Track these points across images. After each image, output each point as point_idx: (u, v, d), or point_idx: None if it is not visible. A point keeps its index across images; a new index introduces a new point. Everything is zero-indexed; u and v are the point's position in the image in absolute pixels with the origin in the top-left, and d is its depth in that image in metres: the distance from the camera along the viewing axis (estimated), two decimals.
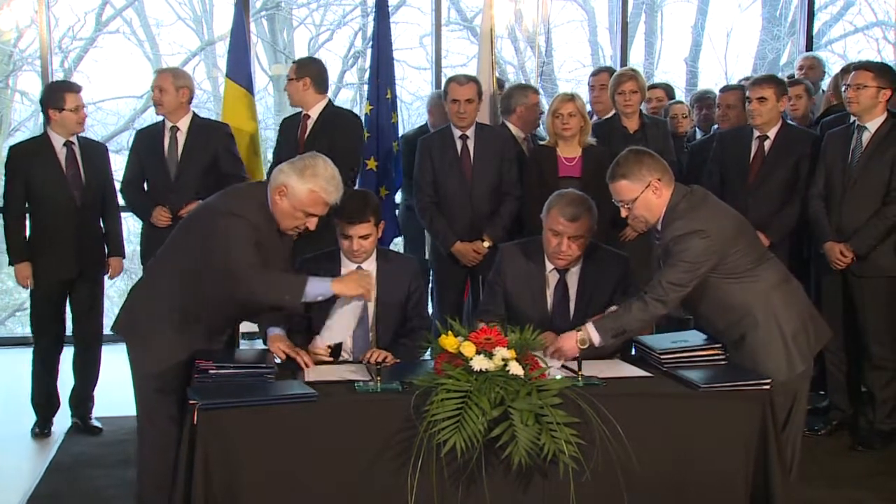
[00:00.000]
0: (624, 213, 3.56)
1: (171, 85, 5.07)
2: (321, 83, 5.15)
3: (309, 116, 5.15)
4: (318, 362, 3.55)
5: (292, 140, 5.15)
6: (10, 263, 4.93)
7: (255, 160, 5.88)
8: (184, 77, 5.19)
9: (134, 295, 3.60)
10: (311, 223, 3.43)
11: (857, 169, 4.65)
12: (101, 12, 10.97)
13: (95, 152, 5.07)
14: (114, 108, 11.30)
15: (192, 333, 3.45)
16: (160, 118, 5.19)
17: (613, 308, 3.60)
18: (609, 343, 3.48)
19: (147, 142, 5.14)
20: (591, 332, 3.46)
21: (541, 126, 5.69)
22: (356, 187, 5.21)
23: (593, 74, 6.04)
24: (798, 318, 3.57)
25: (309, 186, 3.34)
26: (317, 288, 3.37)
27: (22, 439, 5.00)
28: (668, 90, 6.59)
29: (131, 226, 9.51)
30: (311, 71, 5.13)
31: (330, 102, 5.22)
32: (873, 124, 4.64)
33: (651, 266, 3.82)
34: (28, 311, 5.18)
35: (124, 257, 5.27)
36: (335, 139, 5.02)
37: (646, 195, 3.47)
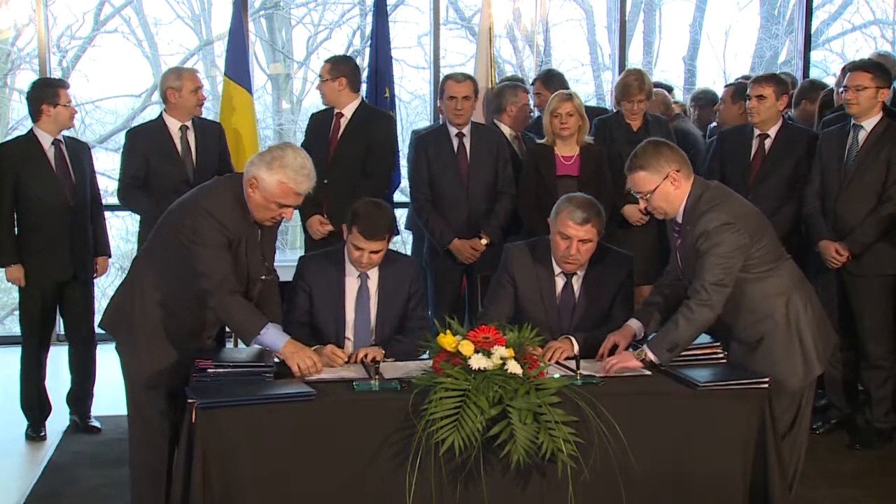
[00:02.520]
0: (642, 205, 3.56)
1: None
2: (355, 82, 5.14)
3: (342, 115, 5.11)
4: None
5: (324, 138, 5.11)
6: (2, 266, 4.84)
7: None
8: None
9: (118, 291, 3.61)
10: (287, 213, 3.40)
11: (853, 168, 4.64)
12: (99, 11, 10.97)
13: (81, 151, 5.03)
14: (112, 108, 11.30)
15: (175, 330, 3.46)
16: (153, 117, 5.17)
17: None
18: (666, 359, 3.42)
19: (153, 141, 4.98)
20: (648, 353, 3.42)
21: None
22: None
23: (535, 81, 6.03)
24: (815, 322, 3.56)
25: (278, 178, 3.29)
26: (270, 340, 3.33)
27: (20, 438, 4.98)
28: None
29: (129, 225, 9.53)
30: (346, 70, 5.10)
31: (363, 101, 5.22)
32: (869, 123, 4.63)
33: (671, 259, 3.79)
34: None
35: (110, 256, 5.27)
36: (372, 139, 5.03)
37: (664, 186, 3.44)
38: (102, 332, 3.74)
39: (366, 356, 3.54)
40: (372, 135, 5.05)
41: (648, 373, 3.44)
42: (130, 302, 3.50)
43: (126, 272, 3.68)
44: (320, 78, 5.15)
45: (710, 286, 3.36)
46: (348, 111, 5.11)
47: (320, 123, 5.20)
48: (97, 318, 5.10)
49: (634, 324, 3.68)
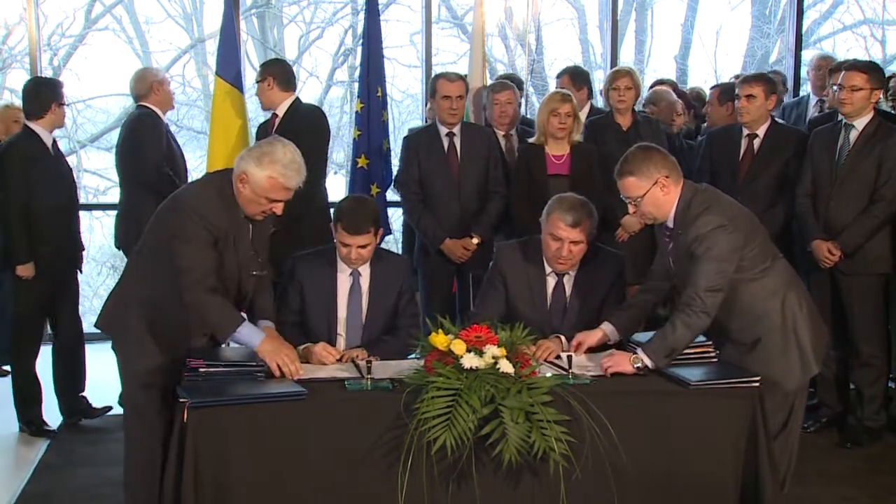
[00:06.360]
0: (631, 210, 3.55)
1: None
2: (285, 81, 5.16)
3: (277, 115, 5.15)
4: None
5: None
6: (17, 263, 4.82)
7: None
8: None
9: (113, 290, 3.62)
10: (277, 208, 3.41)
11: (845, 167, 4.65)
12: (90, 9, 10.92)
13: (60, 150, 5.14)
14: (103, 106, 11.26)
15: (167, 328, 3.45)
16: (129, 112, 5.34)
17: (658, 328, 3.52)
18: (665, 364, 3.40)
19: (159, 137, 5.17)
20: (643, 358, 3.40)
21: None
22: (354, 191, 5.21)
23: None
24: (810, 320, 3.57)
25: (267, 173, 3.32)
26: (246, 337, 3.33)
27: (10, 438, 4.97)
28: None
29: None
30: (273, 70, 5.17)
31: (297, 100, 5.22)
32: (860, 122, 4.64)
33: (656, 261, 3.79)
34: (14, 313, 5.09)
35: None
36: (299, 135, 5.03)
37: (653, 192, 3.44)
38: (94, 332, 3.74)
39: (356, 357, 3.53)
40: (298, 132, 5.03)
41: (641, 371, 3.45)
42: (123, 301, 3.51)
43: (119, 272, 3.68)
44: (255, 83, 5.26)
45: (703, 293, 3.35)
46: (281, 110, 5.14)
47: (263, 129, 5.25)
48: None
49: (607, 327, 3.67)
